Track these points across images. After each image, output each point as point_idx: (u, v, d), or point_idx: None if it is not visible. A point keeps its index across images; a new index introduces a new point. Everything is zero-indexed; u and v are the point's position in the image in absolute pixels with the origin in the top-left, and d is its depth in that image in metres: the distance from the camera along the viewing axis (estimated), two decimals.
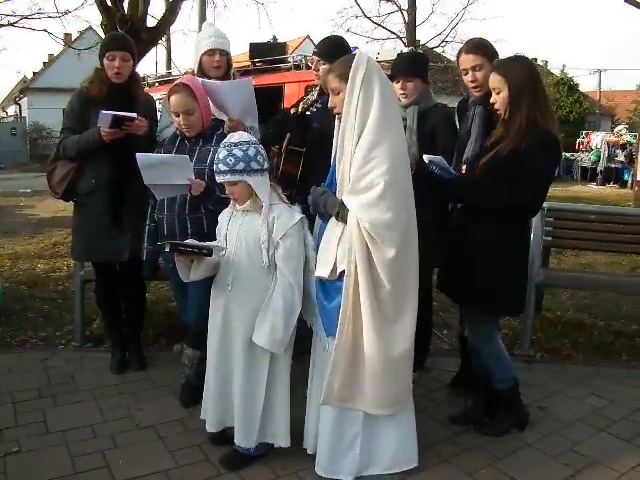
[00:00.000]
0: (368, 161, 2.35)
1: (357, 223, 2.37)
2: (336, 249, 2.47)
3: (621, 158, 21.17)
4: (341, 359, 2.45)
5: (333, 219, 2.51)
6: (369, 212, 2.35)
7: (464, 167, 3.02)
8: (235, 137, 2.65)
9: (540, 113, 2.71)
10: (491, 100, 2.81)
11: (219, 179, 2.64)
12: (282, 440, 2.71)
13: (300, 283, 2.61)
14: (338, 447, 2.58)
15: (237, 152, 2.58)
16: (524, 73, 2.73)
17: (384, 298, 2.42)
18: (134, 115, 3.26)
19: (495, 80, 2.76)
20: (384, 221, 2.34)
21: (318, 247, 2.61)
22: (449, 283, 3.03)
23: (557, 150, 2.82)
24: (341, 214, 2.45)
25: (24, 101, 32.91)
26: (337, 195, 2.49)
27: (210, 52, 3.46)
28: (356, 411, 2.55)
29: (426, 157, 2.88)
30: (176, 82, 3.22)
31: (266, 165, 2.66)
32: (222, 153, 2.60)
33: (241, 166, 2.57)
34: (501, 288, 2.83)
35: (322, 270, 2.51)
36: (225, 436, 2.84)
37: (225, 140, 2.66)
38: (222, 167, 2.59)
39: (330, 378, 2.47)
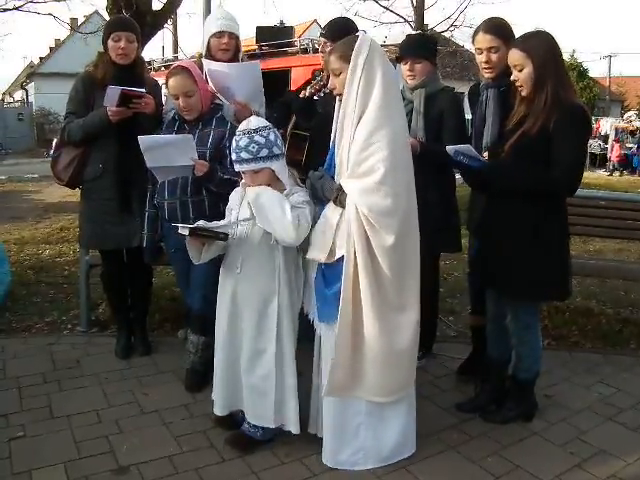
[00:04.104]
0: (368, 146, 2.31)
1: (355, 208, 2.33)
2: (334, 234, 2.43)
3: (630, 145, 21.14)
4: (343, 348, 2.42)
5: (331, 203, 2.47)
6: (368, 198, 2.31)
7: (485, 154, 2.94)
8: (253, 123, 2.58)
9: (563, 88, 2.64)
10: (512, 77, 2.72)
11: (241, 168, 2.57)
12: (292, 425, 2.69)
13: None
14: (342, 438, 2.57)
15: (259, 139, 2.52)
16: (547, 48, 2.66)
17: (385, 283, 2.39)
18: (143, 91, 3.21)
19: (517, 57, 2.67)
20: (383, 207, 2.31)
21: None
22: (489, 273, 2.89)
23: (589, 122, 2.75)
24: (339, 199, 2.41)
25: (31, 86, 32.92)
26: (335, 179, 2.46)
27: (218, 34, 3.42)
28: (359, 402, 2.53)
29: (451, 148, 2.78)
30: (174, 65, 3.20)
31: (284, 149, 2.64)
32: (243, 141, 2.53)
33: (265, 153, 2.52)
34: (546, 272, 2.73)
35: (317, 253, 2.48)
36: (232, 420, 2.84)
37: (242, 127, 2.58)
38: (245, 155, 2.52)
39: (333, 369, 2.44)
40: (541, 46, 2.65)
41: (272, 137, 2.55)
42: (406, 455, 2.65)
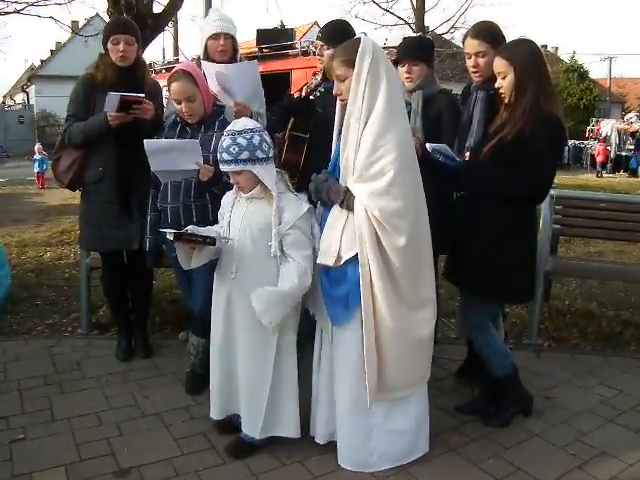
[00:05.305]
0: (377, 149, 2.33)
1: (365, 211, 2.34)
2: (340, 237, 2.44)
3: (631, 146, 21.25)
4: (371, 354, 2.42)
5: (336, 206, 2.47)
6: (379, 200, 2.33)
7: (467, 154, 2.97)
8: (239, 124, 2.58)
9: (544, 97, 2.66)
10: (496, 85, 2.75)
11: (223, 168, 2.59)
12: (291, 431, 2.67)
13: (311, 267, 2.54)
14: (356, 440, 2.56)
15: (241, 140, 2.51)
16: (529, 56, 2.68)
17: (401, 284, 2.41)
18: (142, 96, 3.21)
19: (500, 64, 2.70)
20: (394, 209, 2.33)
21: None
22: (458, 272, 2.97)
23: (561, 135, 2.78)
24: (346, 202, 2.41)
25: (32, 89, 32.98)
26: (340, 182, 2.46)
27: (215, 36, 3.42)
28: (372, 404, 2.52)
29: (429, 145, 2.83)
30: (175, 69, 3.18)
31: (271, 153, 2.61)
32: (226, 142, 2.54)
33: (245, 155, 2.51)
34: (512, 276, 2.78)
35: (325, 258, 2.48)
36: (231, 424, 2.82)
37: (228, 127, 2.60)
38: (226, 156, 2.52)
39: (369, 379, 2.43)
40: (524, 54, 2.68)
41: (256, 140, 2.52)
42: (419, 455, 2.65)
